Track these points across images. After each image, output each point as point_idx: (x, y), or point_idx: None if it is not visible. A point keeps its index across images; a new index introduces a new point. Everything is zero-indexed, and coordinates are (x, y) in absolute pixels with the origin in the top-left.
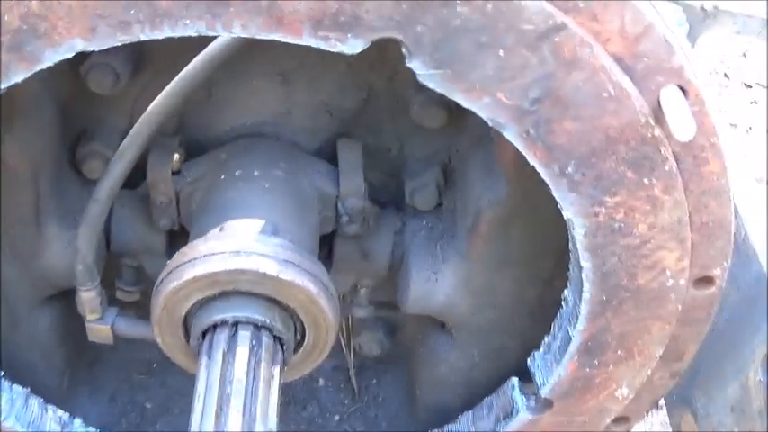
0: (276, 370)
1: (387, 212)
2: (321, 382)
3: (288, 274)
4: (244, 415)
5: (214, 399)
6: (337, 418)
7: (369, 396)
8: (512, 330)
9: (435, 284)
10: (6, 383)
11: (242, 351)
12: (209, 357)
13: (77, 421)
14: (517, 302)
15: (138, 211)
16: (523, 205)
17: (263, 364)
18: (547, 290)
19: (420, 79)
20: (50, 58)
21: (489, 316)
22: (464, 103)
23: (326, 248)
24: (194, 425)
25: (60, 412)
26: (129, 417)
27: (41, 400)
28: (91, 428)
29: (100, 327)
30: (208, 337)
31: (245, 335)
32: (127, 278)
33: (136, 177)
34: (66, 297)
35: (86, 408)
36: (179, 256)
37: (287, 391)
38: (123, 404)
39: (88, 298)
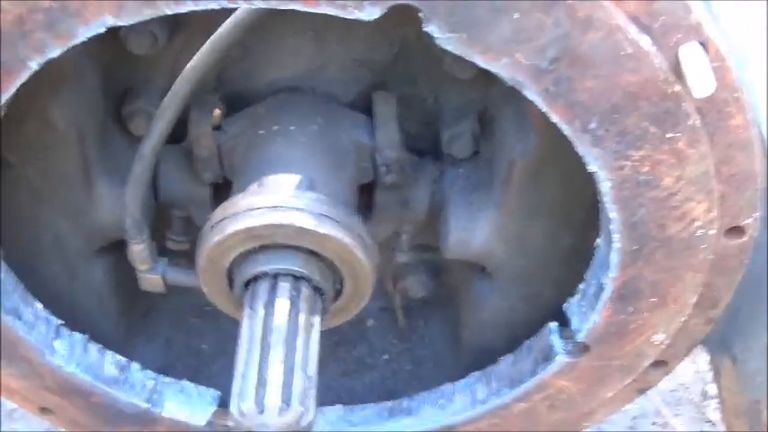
0: (316, 319)
1: (425, 161)
2: (370, 323)
3: (323, 228)
4: (285, 363)
5: (256, 348)
6: (386, 357)
7: (416, 337)
8: (547, 277)
9: (472, 232)
10: (66, 331)
11: (282, 302)
12: (251, 308)
13: (135, 365)
14: (550, 251)
15: (183, 165)
16: (553, 156)
17: (302, 314)
18: (580, 238)
19: (437, 42)
20: (84, 34)
21: (524, 263)
22: (482, 64)
23: (366, 198)
24: (238, 374)
25: (118, 357)
26: (186, 360)
27: (100, 345)
28: (148, 371)
29: (151, 276)
30: (250, 288)
31: (284, 286)
32: (176, 229)
33: (181, 132)
34: (119, 248)
35: (143, 353)
36: (220, 211)
37: (337, 332)
38: (179, 348)
39: (138, 250)
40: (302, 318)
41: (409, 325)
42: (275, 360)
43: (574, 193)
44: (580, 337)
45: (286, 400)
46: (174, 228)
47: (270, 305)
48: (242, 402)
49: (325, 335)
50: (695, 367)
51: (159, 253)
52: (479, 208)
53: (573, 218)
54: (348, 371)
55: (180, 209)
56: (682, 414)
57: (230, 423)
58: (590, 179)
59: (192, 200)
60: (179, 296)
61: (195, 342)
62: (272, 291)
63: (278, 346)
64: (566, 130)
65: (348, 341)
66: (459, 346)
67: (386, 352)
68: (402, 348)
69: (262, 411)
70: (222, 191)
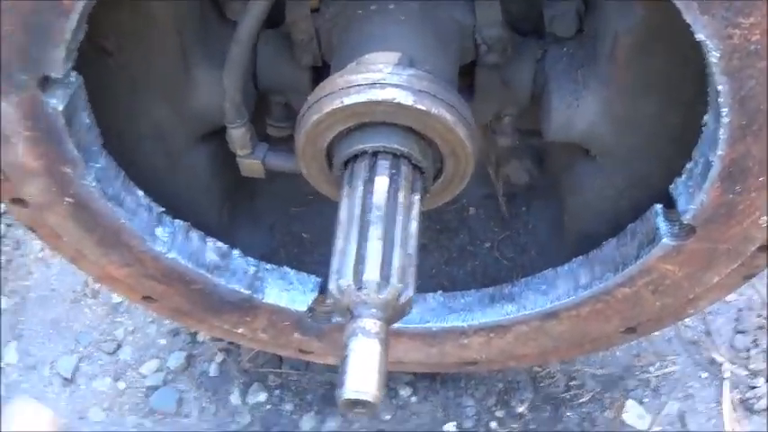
0: (416, 197)
1: (527, 41)
2: (472, 210)
3: (423, 104)
4: (384, 240)
5: (355, 226)
6: (488, 245)
7: (519, 224)
8: (656, 157)
9: (577, 111)
10: (167, 218)
11: (381, 180)
12: (350, 186)
13: (236, 252)
14: (660, 128)
15: (282, 50)
16: (660, 29)
17: (402, 192)
18: (689, 115)
19: None
20: None
21: (632, 142)
22: None
23: (468, 79)
24: (336, 252)
25: (220, 244)
26: (288, 247)
27: (201, 233)
28: (249, 258)
29: (251, 161)
30: (349, 167)
31: (384, 164)
32: (276, 115)
33: (279, 16)
34: (220, 135)
35: (246, 240)
36: (318, 91)
37: (439, 220)
38: (282, 235)
39: (238, 135)
40: (402, 195)
41: (512, 212)
42: (374, 237)
43: (683, 68)
44: (686, 218)
45: (385, 277)
46: (274, 114)
47: (369, 183)
48: (340, 279)
49: (427, 222)
50: None
51: (261, 141)
52: (584, 86)
53: (682, 94)
54: (450, 259)
55: (279, 94)
56: None
57: (329, 300)
58: (699, 52)
59: (291, 85)
60: (283, 185)
61: (298, 230)
62: (372, 169)
63: (377, 223)
64: None
65: (450, 229)
66: (563, 233)
67: (488, 239)
68: (504, 236)
69: (360, 288)
70: (321, 74)
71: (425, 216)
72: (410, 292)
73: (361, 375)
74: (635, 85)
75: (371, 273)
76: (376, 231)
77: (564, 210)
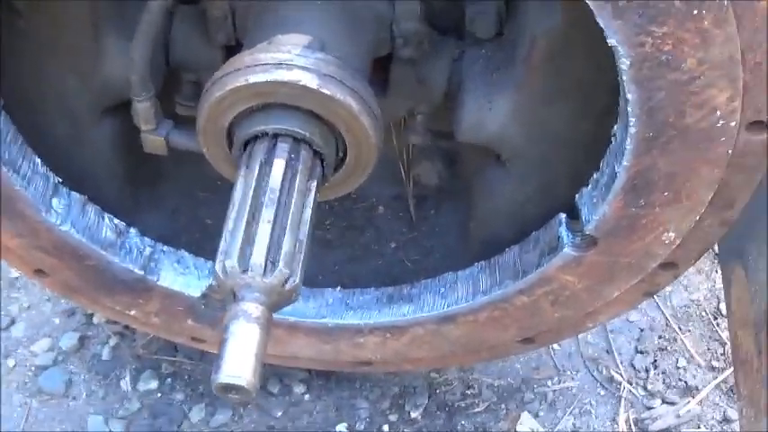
0: (313, 184)
1: (446, 39)
2: (381, 209)
3: (328, 88)
4: (275, 223)
5: (247, 207)
6: (393, 245)
7: (426, 226)
8: (566, 165)
9: (489, 113)
10: (64, 189)
11: (279, 163)
12: (247, 167)
13: (133, 231)
14: (571, 136)
15: (197, 26)
16: (578, 36)
17: (299, 177)
18: (603, 124)
19: None
20: None
21: (543, 149)
22: None
23: (384, 73)
24: (225, 232)
25: (117, 221)
26: (190, 232)
27: (99, 208)
28: (146, 238)
29: (154, 137)
30: (248, 148)
31: (283, 147)
32: (186, 93)
33: None
34: (127, 110)
35: (148, 221)
36: (225, 67)
37: (345, 216)
38: (185, 220)
39: (143, 108)
40: (298, 181)
41: (420, 214)
42: (265, 219)
43: (598, 77)
44: (588, 228)
45: (272, 261)
46: (183, 92)
47: (266, 165)
48: (226, 260)
49: (333, 219)
50: (710, 284)
51: (170, 119)
52: (498, 89)
53: (596, 103)
54: (354, 256)
55: (191, 72)
56: (691, 330)
57: (213, 282)
58: (615, 63)
59: (203, 63)
60: (191, 167)
61: (203, 215)
62: (270, 151)
63: (270, 206)
64: None
65: (356, 227)
66: (469, 238)
67: (394, 240)
68: (411, 237)
69: (246, 270)
70: (234, 54)
71: (332, 212)
72: (297, 279)
73: (238, 360)
74: (548, 91)
75: (258, 256)
76: (267, 214)
77: (471, 213)
